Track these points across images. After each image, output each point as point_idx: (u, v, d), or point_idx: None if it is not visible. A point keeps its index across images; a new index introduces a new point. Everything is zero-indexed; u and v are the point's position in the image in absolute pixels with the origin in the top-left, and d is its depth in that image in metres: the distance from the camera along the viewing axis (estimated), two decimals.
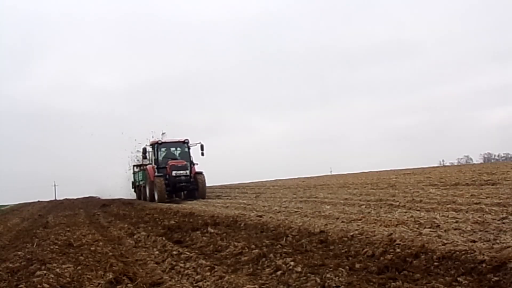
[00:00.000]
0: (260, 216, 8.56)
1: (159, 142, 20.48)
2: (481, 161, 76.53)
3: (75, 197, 33.25)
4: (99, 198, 28.45)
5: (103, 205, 19.33)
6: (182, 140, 20.58)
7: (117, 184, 27.66)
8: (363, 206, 9.52)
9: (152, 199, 19.46)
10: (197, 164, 20.22)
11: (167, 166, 19.45)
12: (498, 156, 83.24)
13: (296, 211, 9.42)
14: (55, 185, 59.48)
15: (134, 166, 25.94)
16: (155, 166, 19.86)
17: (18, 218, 16.91)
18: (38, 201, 34.58)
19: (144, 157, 20.57)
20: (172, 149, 20.89)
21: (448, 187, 13.28)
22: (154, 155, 20.24)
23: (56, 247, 6.99)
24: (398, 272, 4.03)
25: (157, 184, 18.57)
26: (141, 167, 23.39)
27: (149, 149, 21.00)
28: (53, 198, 40.56)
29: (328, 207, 9.94)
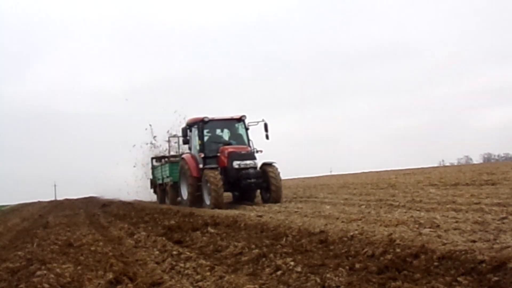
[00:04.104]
0: (260, 216, 8.56)
1: (205, 119, 13.65)
2: (481, 161, 76.80)
3: (75, 197, 33.32)
4: (100, 197, 28.18)
5: (103, 205, 19.31)
6: (237, 116, 14.17)
7: (120, 184, 23.77)
8: (363, 206, 9.52)
9: (194, 203, 13.33)
10: (260, 151, 13.79)
11: (221, 154, 13.23)
12: (498, 156, 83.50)
13: (296, 211, 9.42)
14: (55, 185, 59.67)
15: (152, 158, 20.60)
16: (201, 155, 13.55)
17: (18, 218, 16.93)
18: (38, 201, 34.64)
19: (186, 142, 14.61)
20: (218, 130, 14.68)
21: (448, 187, 13.30)
22: (199, 139, 13.74)
23: (56, 247, 6.99)
24: (398, 272, 4.03)
25: (211, 180, 12.27)
26: (165, 159, 18.74)
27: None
28: (53, 198, 40.66)
29: (328, 207, 9.94)
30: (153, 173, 20.00)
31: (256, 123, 14.04)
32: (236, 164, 12.73)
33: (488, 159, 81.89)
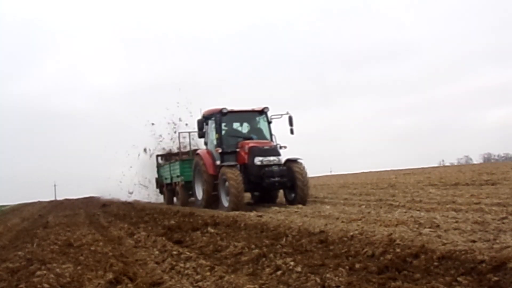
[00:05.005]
0: (260, 216, 8.57)
1: (223, 111, 12.42)
2: (481, 161, 76.93)
3: (75, 197, 33.36)
4: (100, 197, 28.08)
5: (103, 205, 19.28)
6: (259, 108, 12.94)
7: (121, 184, 22.95)
8: (363, 206, 9.54)
9: (210, 204, 12.30)
10: (284, 147, 12.54)
11: (240, 149, 12.03)
12: (498, 156, 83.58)
13: (296, 211, 9.42)
14: (55, 185, 59.77)
15: (158, 156, 19.33)
16: (219, 150, 12.23)
17: (18, 218, 16.94)
18: (38, 201, 34.68)
19: (202, 135, 13.19)
20: (236, 124, 13.21)
21: (448, 187, 13.32)
22: (217, 132, 12.46)
23: (56, 247, 6.99)
24: (398, 272, 4.03)
25: (230, 178, 11.02)
26: (174, 157, 17.50)
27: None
28: (53, 198, 40.72)
29: (328, 207, 9.94)
30: (159, 172, 18.90)
31: (279, 116, 12.81)
32: (258, 160, 11.45)
33: (488, 159, 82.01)
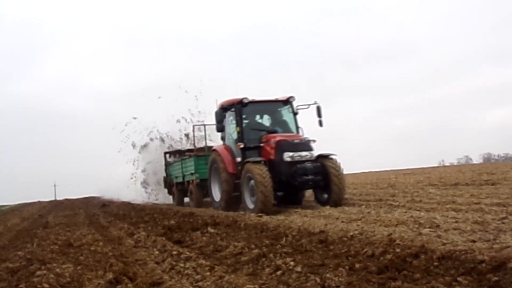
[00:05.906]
0: (260, 216, 8.56)
1: (244, 101, 11.05)
2: (481, 161, 76.98)
3: (75, 197, 33.39)
4: (100, 197, 28.10)
5: (103, 205, 19.30)
6: (284, 98, 11.56)
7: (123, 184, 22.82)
8: (363, 206, 9.52)
9: (230, 205, 11.03)
10: (314, 140, 10.97)
11: (265, 144, 10.74)
12: (498, 156, 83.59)
13: (296, 211, 9.41)
14: (55, 185, 59.83)
15: (166, 153, 18.23)
16: (240, 145, 10.85)
17: (18, 218, 16.96)
18: (38, 201, 34.72)
19: (221, 129, 11.58)
20: (258, 116, 11.83)
21: (447, 187, 13.30)
22: (237, 125, 11.08)
23: (56, 247, 7.00)
24: (398, 272, 4.03)
25: (257, 177, 9.63)
26: (184, 154, 16.41)
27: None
28: (53, 198, 40.75)
29: (328, 207, 9.92)
30: (167, 170, 17.79)
31: (307, 106, 11.37)
32: (287, 156, 10.11)
33: (488, 159, 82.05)
